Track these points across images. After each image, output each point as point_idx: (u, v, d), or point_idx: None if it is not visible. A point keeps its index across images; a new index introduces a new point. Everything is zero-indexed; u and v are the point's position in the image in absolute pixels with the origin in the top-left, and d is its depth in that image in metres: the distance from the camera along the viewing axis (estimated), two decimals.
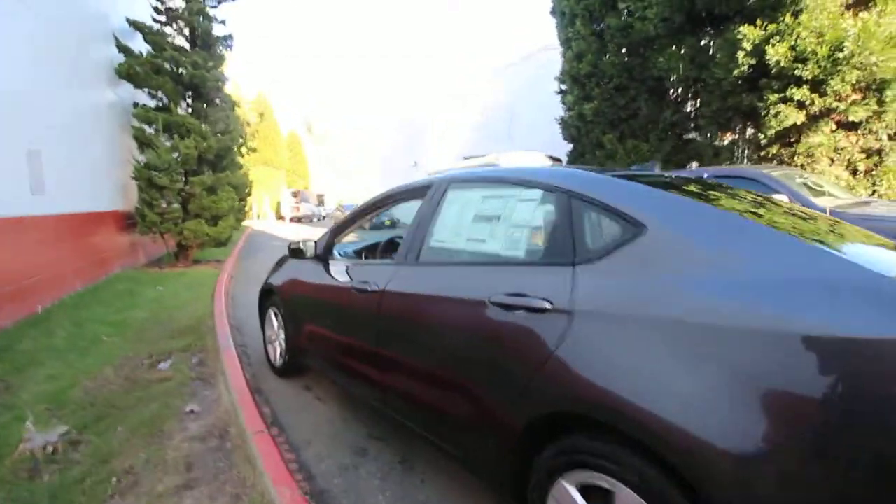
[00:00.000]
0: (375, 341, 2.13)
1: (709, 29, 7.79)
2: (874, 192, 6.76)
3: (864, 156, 6.79)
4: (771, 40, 6.39)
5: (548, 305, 1.43)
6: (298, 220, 30.70)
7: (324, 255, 2.79)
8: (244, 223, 17.60)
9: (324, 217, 34.15)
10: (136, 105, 7.90)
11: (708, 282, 1.18)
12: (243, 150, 10.25)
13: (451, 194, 2.06)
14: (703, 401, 1.08)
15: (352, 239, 3.25)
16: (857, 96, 6.41)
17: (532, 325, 1.45)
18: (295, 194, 31.75)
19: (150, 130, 7.81)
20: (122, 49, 7.62)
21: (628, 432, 1.19)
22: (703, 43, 7.93)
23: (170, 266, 8.50)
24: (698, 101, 8.29)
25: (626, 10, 8.57)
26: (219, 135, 8.56)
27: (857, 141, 6.74)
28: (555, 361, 1.36)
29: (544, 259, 1.56)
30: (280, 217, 32.72)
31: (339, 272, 2.61)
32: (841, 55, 5.96)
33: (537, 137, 16.29)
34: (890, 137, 6.61)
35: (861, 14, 6.06)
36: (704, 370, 1.09)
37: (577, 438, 1.34)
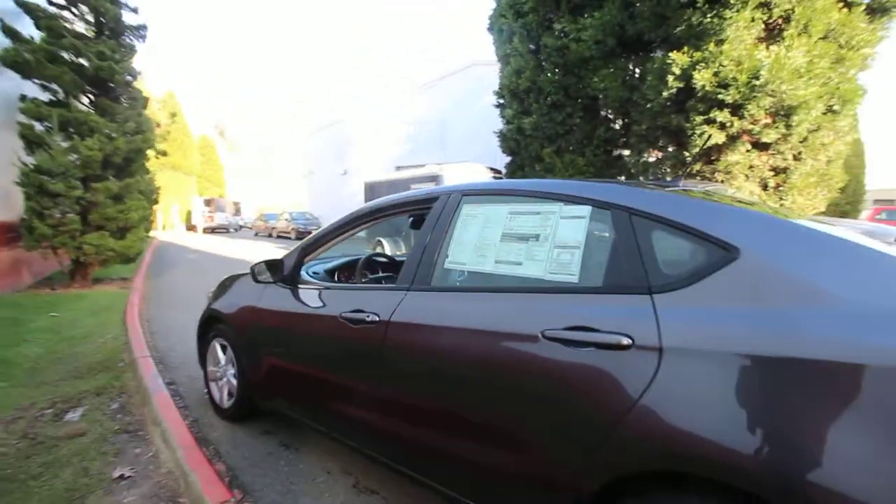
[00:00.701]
0: (379, 381, 1.80)
1: (641, 53, 8.28)
2: (781, 205, 7.52)
3: (773, 173, 7.55)
4: (697, 66, 6.89)
5: (627, 341, 1.22)
6: (213, 230, 28.39)
7: (292, 278, 2.39)
8: (149, 234, 15.73)
9: (241, 227, 31.87)
10: (23, 98, 6.67)
11: (825, 312, 1.04)
12: (152, 153, 9.10)
13: (468, 208, 1.80)
14: (840, 452, 0.93)
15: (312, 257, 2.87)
16: (769, 120, 7.11)
17: (606, 364, 1.24)
18: (209, 202, 29.35)
19: (41, 128, 6.63)
20: (8, 32, 6.42)
21: (742, 488, 1.02)
22: (633, 66, 8.41)
23: (64, 287, 7.25)
24: (629, 120, 8.76)
25: (561, 32, 8.88)
26: (128, 136, 7.51)
27: (767, 160, 7.48)
28: (642, 409, 1.16)
29: (608, 286, 1.36)
30: (191, 227, 30.06)
31: (312, 297, 2.24)
32: (757, 82, 6.57)
33: (470, 149, 16.47)
34: (794, 157, 7.42)
35: (772, 47, 6.73)
36: (841, 416, 0.95)
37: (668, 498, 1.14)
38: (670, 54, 7.12)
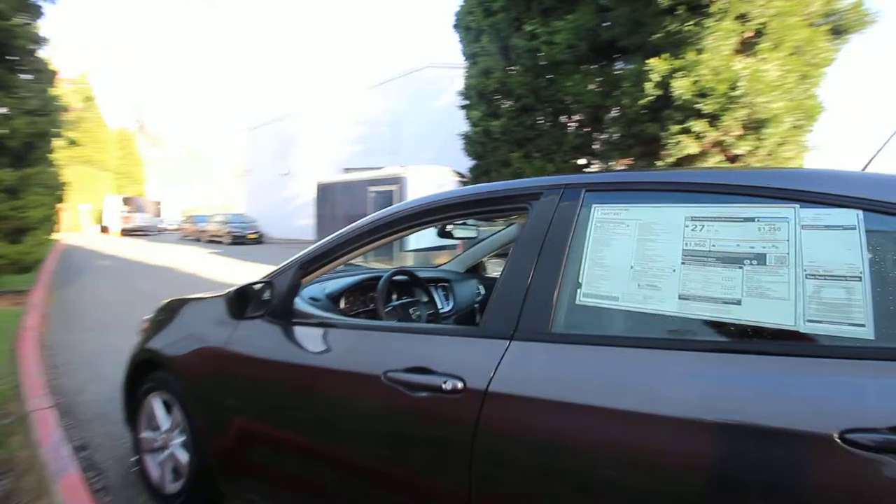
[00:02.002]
0: (470, 483, 1.11)
1: (615, 59, 8.10)
2: None
3: None
4: (676, 74, 6.76)
5: None
6: (131, 232, 25.57)
7: (285, 308, 1.62)
8: (53, 237, 13.53)
9: (163, 230, 29.04)
10: None
11: None
12: (62, 141, 7.64)
13: (602, 211, 1.16)
14: None
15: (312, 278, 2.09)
16: (741, 132, 7.12)
17: None
18: (127, 201, 26.46)
19: None
20: None
21: None
22: (607, 72, 8.21)
23: None
24: (601, 127, 8.57)
25: (531, 34, 8.54)
26: (30, 116, 6.11)
27: None
28: None
29: None
30: (104, 228, 26.92)
31: (318, 339, 1.51)
32: (735, 93, 6.52)
33: (424, 153, 15.87)
34: None
35: (747, 59, 6.73)
36: None
37: None
38: (649, 61, 6.95)
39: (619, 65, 8.25)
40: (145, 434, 2.09)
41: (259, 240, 20.20)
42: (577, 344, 1.07)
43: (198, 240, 22.02)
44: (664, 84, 6.89)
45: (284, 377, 1.55)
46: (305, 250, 1.71)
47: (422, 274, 2.44)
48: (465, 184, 10.30)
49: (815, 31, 6.98)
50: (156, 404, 2.02)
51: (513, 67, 9.03)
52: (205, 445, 1.81)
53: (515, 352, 1.11)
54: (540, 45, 8.45)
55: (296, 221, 22.09)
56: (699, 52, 6.71)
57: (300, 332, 1.58)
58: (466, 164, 10.78)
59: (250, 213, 22.98)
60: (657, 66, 6.85)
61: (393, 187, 9.42)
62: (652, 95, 7.05)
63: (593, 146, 8.89)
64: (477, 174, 9.95)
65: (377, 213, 1.60)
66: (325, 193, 11.70)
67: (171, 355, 1.93)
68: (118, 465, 2.37)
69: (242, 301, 1.59)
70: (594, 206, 1.18)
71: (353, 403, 1.36)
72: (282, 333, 1.59)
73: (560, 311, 1.11)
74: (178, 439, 1.94)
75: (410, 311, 2.04)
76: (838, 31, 7.34)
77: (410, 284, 2.29)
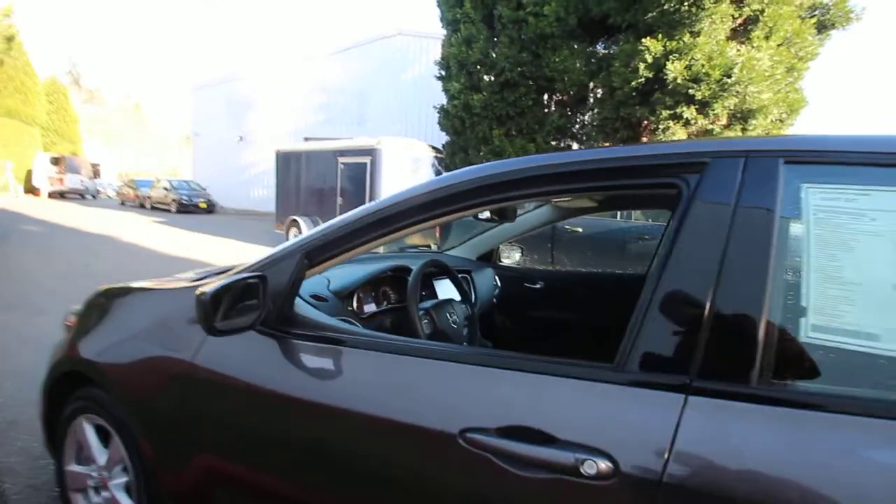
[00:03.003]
0: None
1: (605, 37, 7.76)
2: None
3: None
4: (670, 56, 6.50)
5: None
6: (61, 195, 23.24)
7: (283, 315, 1.14)
8: None
9: (98, 193, 26.65)
10: None
11: None
12: None
13: (824, 198, 0.76)
14: None
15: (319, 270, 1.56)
16: (727, 122, 7.01)
17: None
18: (57, 161, 23.94)
19: None
20: None
21: None
22: (596, 50, 7.87)
23: None
24: (586, 107, 8.27)
25: (518, 2, 8.03)
26: None
27: None
28: None
29: None
30: (32, 190, 24.36)
31: (337, 365, 1.05)
32: (729, 80, 6.35)
33: (392, 126, 15.12)
34: None
35: (742, 46, 6.56)
36: None
37: None
38: (643, 40, 6.65)
39: (602, 45, 7.90)
40: (73, 468, 1.55)
41: (210, 209, 18.79)
42: (817, 410, 0.67)
43: (142, 206, 20.28)
44: (657, 66, 6.64)
45: (286, 418, 1.08)
46: (314, 231, 1.21)
47: (457, 265, 1.99)
48: (441, 160, 9.77)
49: (803, 23, 6.91)
50: (87, 431, 1.49)
51: (497, 38, 8.51)
52: (156, 491, 1.32)
53: (701, 415, 0.70)
54: (527, 15, 7.97)
55: (252, 191, 20.73)
56: (695, 35, 6.47)
57: (307, 349, 1.11)
58: (440, 139, 10.25)
59: (199, 179, 21.34)
60: (651, 46, 6.57)
61: (365, 159, 8.74)
62: (643, 78, 6.79)
63: (576, 128, 8.60)
64: (453, 151, 9.46)
65: (431, 181, 1.13)
66: (287, 163, 10.77)
67: (109, 367, 1.40)
68: (34, 497, 1.83)
69: (220, 307, 1.08)
70: (806, 187, 0.78)
71: (407, 472, 0.92)
72: (279, 352, 1.11)
73: (771, 351, 0.71)
74: (119, 479, 1.42)
75: (448, 315, 1.59)
76: (823, 26, 7.32)
77: (432, 276, 1.83)
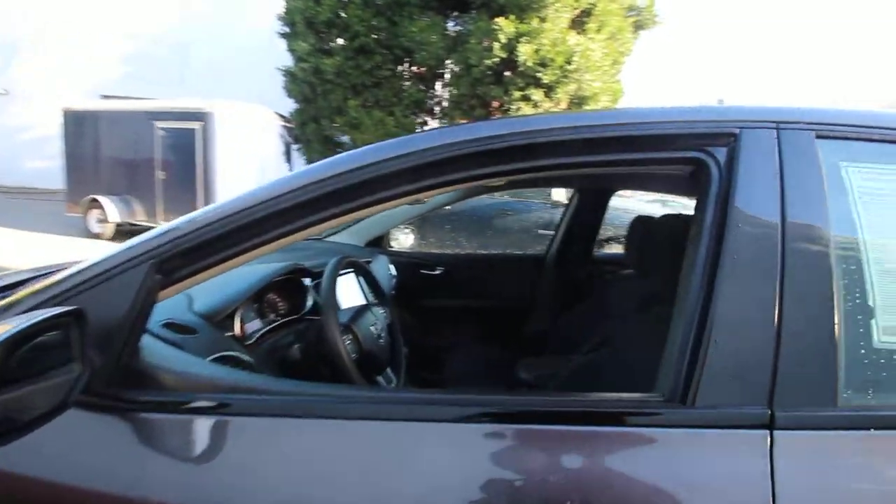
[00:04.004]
0: None
1: (458, 13, 7.72)
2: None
3: None
4: (521, 38, 6.78)
5: None
6: None
7: (122, 373, 0.68)
8: None
9: None
10: None
11: None
12: None
13: (867, 178, 0.66)
14: None
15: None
16: (567, 106, 7.67)
17: None
18: None
19: None
20: None
21: None
22: (451, 25, 7.82)
23: None
24: (444, 83, 8.23)
25: None
26: None
27: None
28: None
29: None
30: None
31: (254, 459, 0.67)
32: (570, 67, 6.90)
33: (223, 88, 13.12)
34: None
35: (579, 36, 7.17)
36: None
37: None
38: (497, 19, 6.80)
39: (454, 22, 7.91)
40: None
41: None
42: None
43: None
44: (510, 47, 6.86)
45: None
46: (169, 227, 0.76)
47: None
48: (291, 130, 8.79)
49: (624, 20, 7.84)
50: None
51: None
52: None
53: (794, 454, 0.55)
54: None
55: (26, 162, 16.14)
56: (542, 20, 6.83)
57: (174, 428, 0.69)
58: (286, 106, 9.20)
59: None
60: (505, 26, 6.75)
61: (194, 124, 7.30)
62: (498, 57, 6.96)
63: (432, 102, 8.52)
64: (304, 120, 8.57)
65: (371, 148, 0.77)
66: (81, 126, 8.41)
67: None
68: None
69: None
70: (845, 166, 0.66)
71: None
72: (122, 437, 0.67)
73: (849, 363, 0.58)
74: None
75: (371, 327, 1.22)
76: (638, 27, 8.43)
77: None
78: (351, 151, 0.78)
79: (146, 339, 0.76)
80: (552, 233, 2.29)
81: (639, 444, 0.60)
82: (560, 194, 5.35)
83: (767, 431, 0.56)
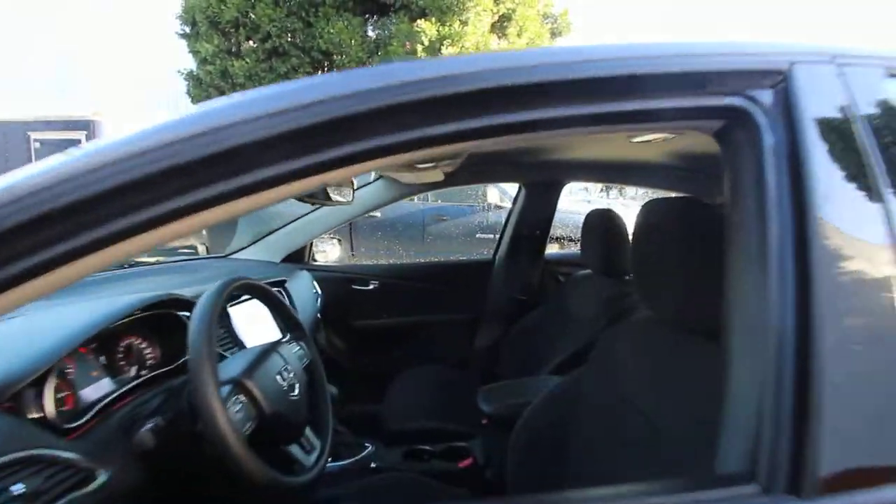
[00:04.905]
0: None
1: (376, 15, 7.46)
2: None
3: None
4: (444, 42, 6.66)
5: None
6: None
7: None
8: None
9: None
10: None
11: None
12: None
13: None
14: None
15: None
16: None
17: None
18: None
19: None
20: None
21: None
22: (370, 26, 7.54)
23: None
24: None
25: None
26: None
27: None
28: None
29: None
30: None
31: None
32: None
33: (117, 96, 11.83)
34: None
35: (500, 40, 7.20)
36: None
37: None
38: (419, 22, 6.63)
39: (372, 27, 7.67)
40: None
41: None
42: None
43: None
44: (434, 50, 6.70)
45: None
46: None
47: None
48: None
49: (542, 27, 8.02)
50: None
51: None
52: None
53: None
54: None
55: None
56: (464, 23, 6.76)
57: None
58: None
59: None
60: (427, 29, 6.59)
61: (77, 135, 6.35)
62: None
63: None
64: None
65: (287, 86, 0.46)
66: None
67: None
68: None
69: None
70: None
71: None
72: None
73: None
74: None
75: (279, 376, 0.86)
76: (554, 33, 8.68)
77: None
78: (233, 97, 0.48)
79: None
80: (492, 236, 2.10)
81: None
82: (495, 196, 5.22)
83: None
